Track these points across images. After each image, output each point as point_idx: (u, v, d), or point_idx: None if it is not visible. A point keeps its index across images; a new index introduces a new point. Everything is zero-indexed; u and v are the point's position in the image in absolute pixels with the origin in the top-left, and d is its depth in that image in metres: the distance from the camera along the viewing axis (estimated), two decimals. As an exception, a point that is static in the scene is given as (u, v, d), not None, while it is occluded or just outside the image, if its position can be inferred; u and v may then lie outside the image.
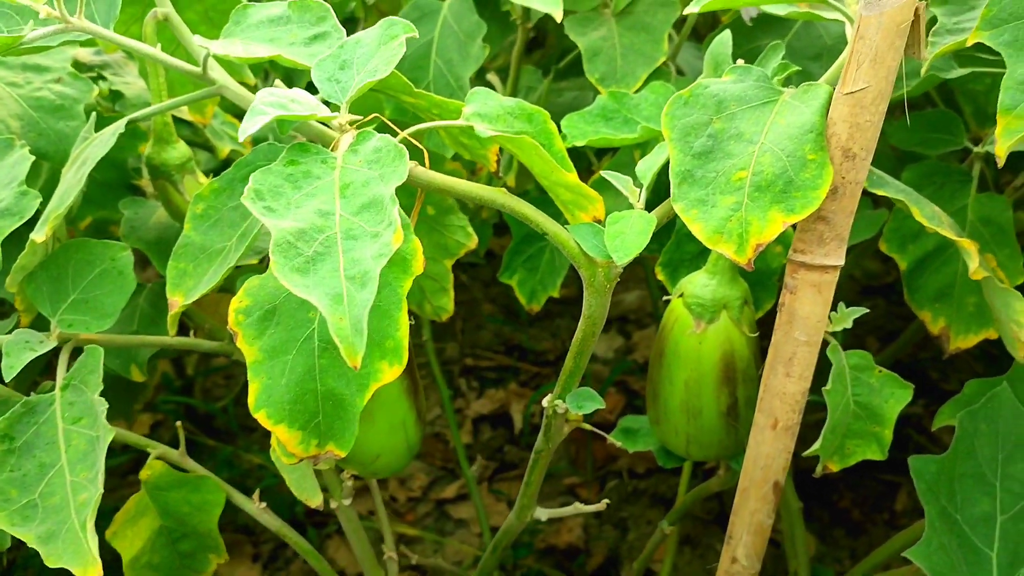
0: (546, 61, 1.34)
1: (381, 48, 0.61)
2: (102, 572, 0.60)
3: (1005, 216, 0.87)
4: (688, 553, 1.45)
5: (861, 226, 0.95)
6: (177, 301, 0.67)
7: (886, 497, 1.53)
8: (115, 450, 1.55)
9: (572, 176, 0.67)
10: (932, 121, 0.94)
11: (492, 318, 1.92)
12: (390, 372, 0.61)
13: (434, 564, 1.28)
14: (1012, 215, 0.88)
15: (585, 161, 1.15)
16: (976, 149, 0.93)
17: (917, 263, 0.90)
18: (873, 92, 0.61)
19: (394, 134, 0.62)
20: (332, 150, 0.59)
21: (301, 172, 0.56)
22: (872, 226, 0.95)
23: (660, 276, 0.90)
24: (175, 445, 0.80)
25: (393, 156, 0.55)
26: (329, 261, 0.51)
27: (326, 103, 0.62)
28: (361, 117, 0.62)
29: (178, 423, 0.79)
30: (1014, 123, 0.58)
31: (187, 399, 1.59)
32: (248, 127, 0.55)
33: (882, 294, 1.91)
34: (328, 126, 0.63)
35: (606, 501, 0.83)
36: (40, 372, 1.00)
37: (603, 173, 0.71)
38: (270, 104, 0.56)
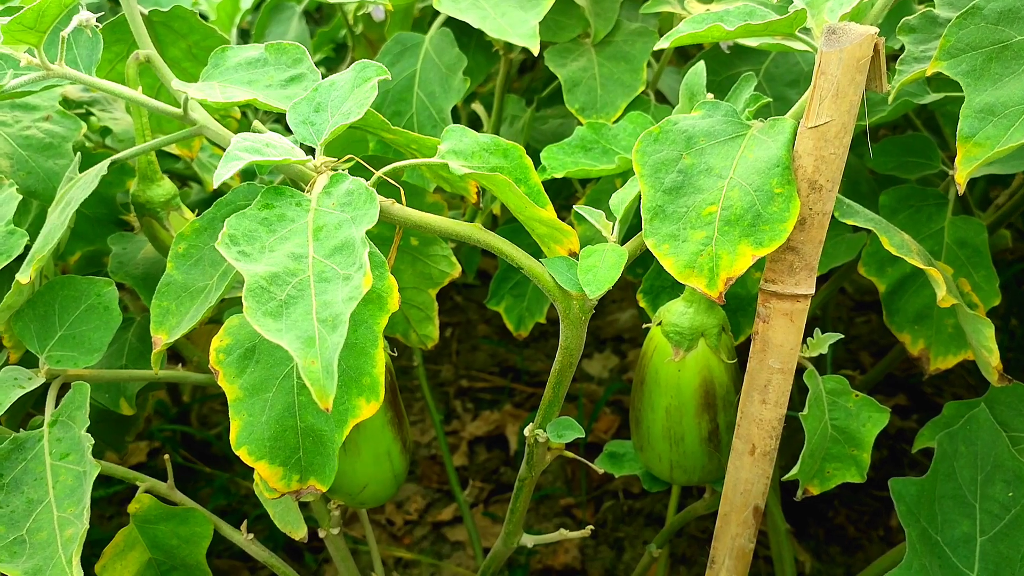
0: (534, 86, 1.36)
1: (355, 90, 0.63)
2: (87, 609, 0.61)
3: (980, 238, 0.89)
4: (683, 572, 1.45)
5: (840, 250, 0.96)
6: (161, 339, 0.68)
7: (881, 513, 1.53)
8: (110, 480, 1.57)
9: (546, 212, 0.68)
10: (908, 145, 0.96)
11: (487, 339, 1.93)
12: (367, 408, 0.62)
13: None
14: (987, 237, 0.89)
15: (570, 188, 1.16)
16: (952, 172, 0.94)
17: (896, 285, 0.91)
18: (836, 126, 0.62)
19: (370, 174, 0.63)
20: (308, 191, 0.61)
21: (276, 215, 0.58)
22: (851, 250, 0.96)
23: (642, 303, 0.91)
24: (174, 473, 0.81)
25: (364, 199, 0.57)
26: (302, 304, 0.53)
27: (303, 146, 0.64)
28: (336, 159, 0.63)
29: (166, 456, 0.80)
30: (973, 150, 0.60)
31: (183, 427, 1.60)
32: (223, 173, 0.56)
33: (875, 309, 1.92)
34: (305, 168, 0.64)
35: (590, 527, 0.84)
36: (34, 405, 1.01)
37: (577, 208, 0.72)
38: (244, 149, 0.57)
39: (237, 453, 0.63)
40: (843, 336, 0.75)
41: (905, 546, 0.79)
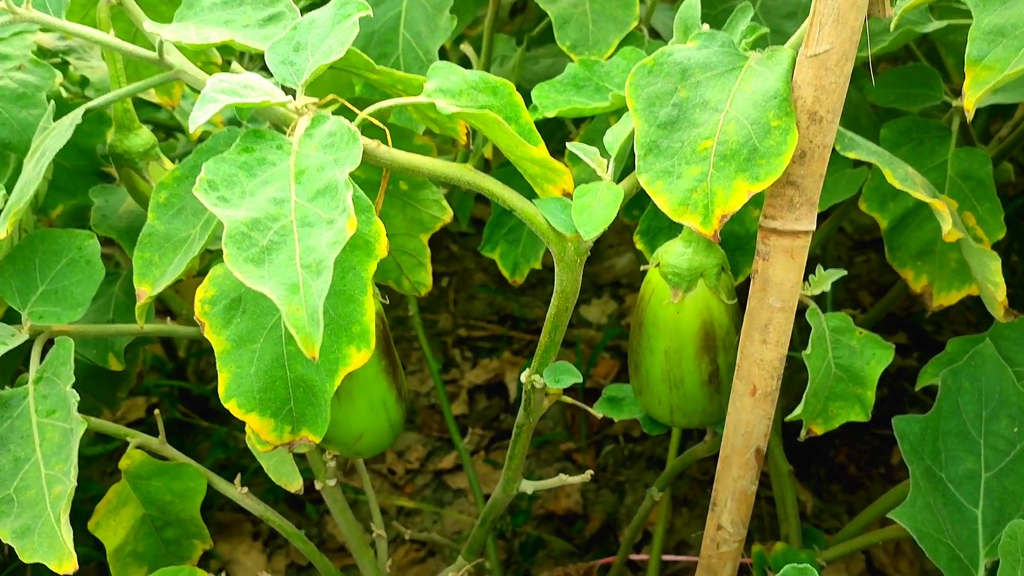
0: (524, 27, 1.32)
1: (336, 28, 0.60)
2: (77, 566, 0.60)
3: (985, 170, 0.86)
4: (686, 514, 1.46)
5: (840, 186, 0.94)
6: (145, 291, 0.67)
7: (882, 451, 1.53)
8: (108, 436, 1.56)
9: (538, 150, 0.66)
10: (910, 76, 0.93)
11: (484, 288, 1.91)
12: (358, 357, 0.60)
13: (430, 538, 1.29)
14: (991, 169, 0.86)
15: (563, 131, 1.14)
16: (956, 103, 0.91)
17: (898, 221, 0.89)
18: (837, 54, 0.59)
19: (354, 115, 0.61)
20: (289, 134, 0.58)
21: (256, 159, 0.55)
22: (852, 185, 0.93)
23: (639, 245, 0.89)
24: (171, 428, 0.80)
25: (347, 140, 0.54)
26: (284, 250, 0.51)
27: (284, 87, 0.61)
28: (317, 99, 0.61)
29: (156, 411, 0.79)
30: (982, 74, 0.57)
31: (179, 382, 1.59)
32: (199, 116, 0.54)
33: (874, 248, 1.90)
34: (287, 110, 0.62)
35: (589, 472, 0.83)
36: (23, 363, 1.00)
37: (570, 146, 0.69)
38: (221, 91, 0.55)
39: (227, 406, 0.61)
40: (845, 272, 0.74)
41: (908, 484, 0.79)
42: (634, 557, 1.17)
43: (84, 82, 0.95)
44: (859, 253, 1.94)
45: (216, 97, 0.55)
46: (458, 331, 1.85)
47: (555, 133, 1.17)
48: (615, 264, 1.97)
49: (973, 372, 0.80)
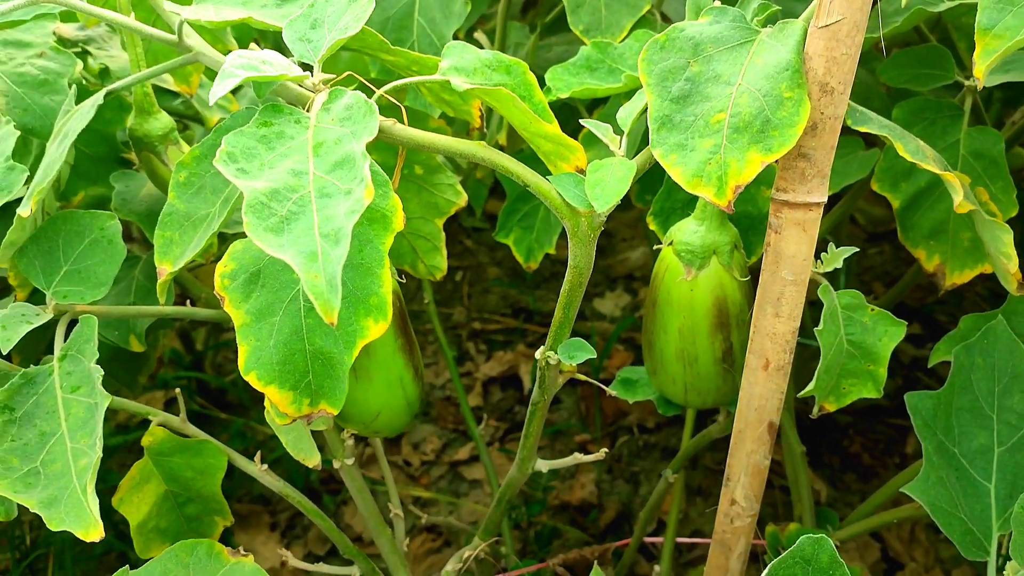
0: (536, 21, 1.33)
1: (352, 5, 0.61)
2: (103, 533, 0.61)
3: (997, 149, 0.86)
4: (700, 504, 1.46)
5: (853, 167, 0.94)
6: (165, 269, 0.68)
7: (896, 441, 1.53)
8: (127, 427, 1.58)
9: (552, 126, 0.67)
10: (922, 56, 0.93)
11: (498, 281, 1.92)
12: (376, 328, 0.61)
13: (446, 522, 1.30)
14: (1004, 148, 0.87)
15: (578, 116, 1.14)
16: (968, 83, 0.91)
17: (910, 201, 0.89)
18: (848, 24, 0.60)
19: (371, 93, 0.62)
20: (307, 110, 0.60)
21: (274, 133, 0.56)
22: (864, 167, 0.94)
23: (652, 226, 0.90)
24: (190, 419, 0.81)
25: (364, 112, 0.55)
26: (303, 220, 0.52)
27: (303, 66, 0.62)
28: (335, 75, 0.62)
29: (177, 390, 0.80)
30: (992, 43, 0.58)
31: (198, 374, 1.61)
32: (218, 90, 0.55)
33: (888, 240, 1.90)
34: (304, 87, 0.63)
35: (604, 450, 0.84)
36: (47, 349, 1.01)
37: (583, 121, 0.70)
38: (240, 66, 0.56)
39: (246, 379, 0.62)
40: (857, 249, 0.74)
41: (921, 465, 0.79)
42: (649, 540, 1.17)
43: (104, 73, 0.97)
44: (872, 245, 1.93)
45: (235, 72, 0.56)
46: (472, 324, 1.86)
47: (568, 123, 1.18)
48: (629, 257, 1.97)
49: (986, 348, 0.80)
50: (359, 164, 0.53)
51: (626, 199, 1.15)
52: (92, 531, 0.62)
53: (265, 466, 0.81)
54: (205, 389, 1.65)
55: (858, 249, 0.74)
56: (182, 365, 1.62)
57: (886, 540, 1.37)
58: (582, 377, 0.79)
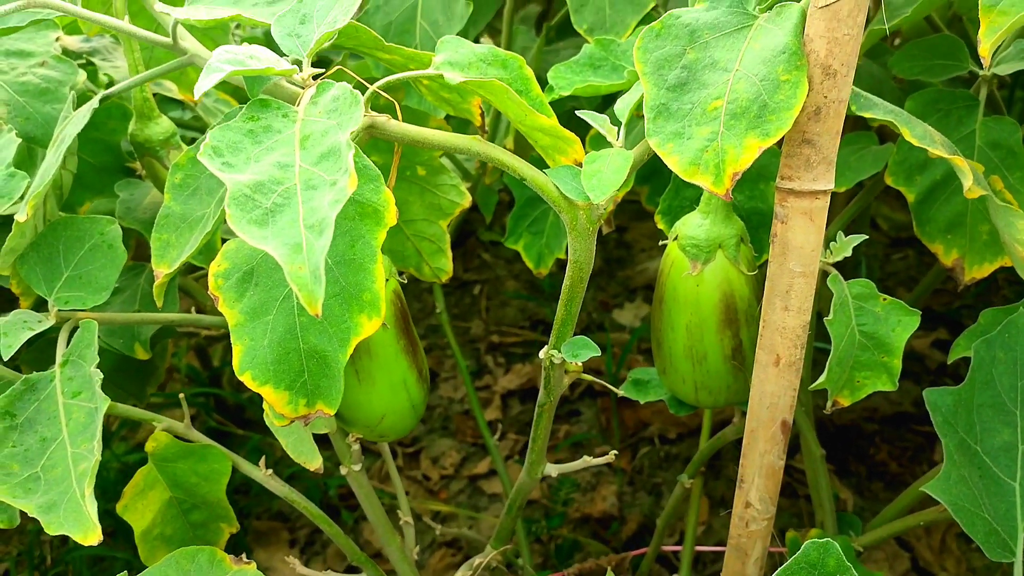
0: (544, 22, 1.33)
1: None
2: (101, 537, 0.61)
3: (1014, 138, 0.84)
4: (723, 515, 1.43)
5: (866, 162, 0.92)
6: (162, 271, 0.67)
7: (924, 449, 1.49)
8: (143, 446, 1.58)
9: (547, 119, 0.66)
10: (935, 47, 0.91)
11: (516, 294, 1.91)
12: (369, 325, 0.60)
13: (465, 536, 1.28)
14: (1021, 137, 0.84)
15: (584, 125, 1.13)
16: (983, 72, 0.89)
17: (926, 194, 0.87)
18: (849, 3, 0.58)
19: (364, 89, 0.61)
20: (296, 104, 0.59)
21: (261, 127, 0.56)
22: (878, 162, 0.92)
23: (660, 225, 0.89)
24: (213, 436, 0.81)
25: (349, 103, 0.55)
26: (288, 212, 0.51)
27: (292, 61, 0.62)
28: (324, 71, 0.61)
29: (181, 395, 0.80)
30: (998, 19, 0.56)
31: (215, 390, 1.61)
32: (204, 84, 0.54)
33: (911, 245, 1.87)
34: (293, 82, 0.62)
35: (614, 452, 0.82)
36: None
37: (579, 113, 0.69)
38: (226, 61, 0.56)
39: (241, 379, 0.62)
40: (867, 236, 0.72)
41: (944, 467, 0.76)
42: (669, 549, 1.15)
43: (110, 84, 0.97)
44: (896, 251, 1.90)
45: (221, 67, 0.56)
46: (491, 337, 1.84)
47: (568, 124, 1.17)
48: (647, 267, 1.95)
49: (1007, 342, 0.77)
50: (344, 154, 0.52)
51: (643, 210, 1.14)
52: (90, 534, 0.61)
53: (270, 471, 0.80)
54: (223, 406, 1.65)
55: (867, 236, 0.72)
56: (199, 382, 1.62)
57: (916, 550, 1.33)
58: (588, 378, 0.77)
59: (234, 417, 1.65)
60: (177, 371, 1.67)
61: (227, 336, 1.72)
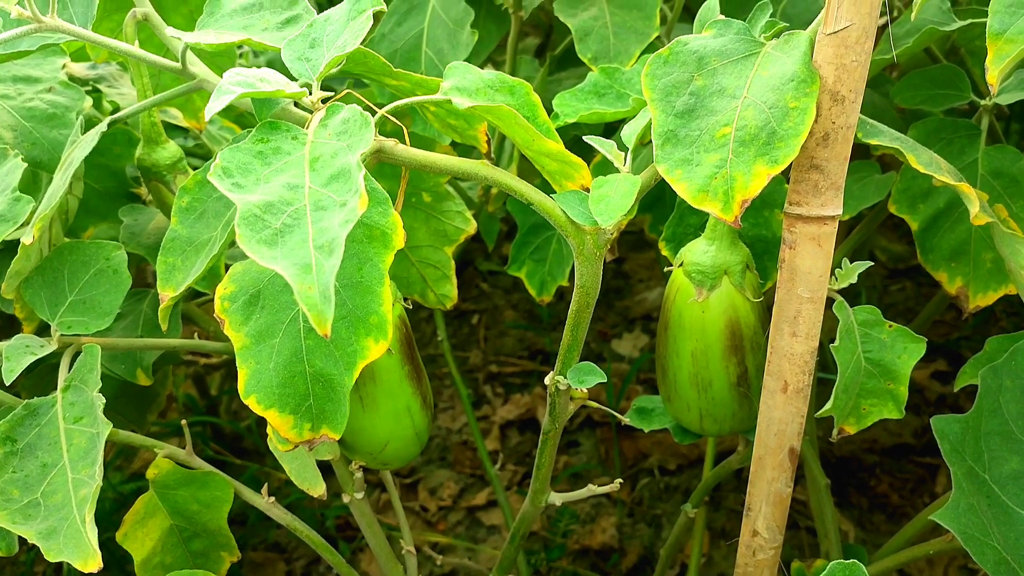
0: (547, 52, 1.34)
1: (350, 23, 0.61)
2: (102, 564, 0.60)
3: (1017, 166, 0.85)
4: (723, 547, 1.42)
5: (869, 190, 0.93)
6: (167, 295, 0.67)
7: (925, 481, 1.49)
8: (142, 474, 1.56)
9: (556, 144, 0.66)
10: (936, 77, 0.92)
11: (514, 324, 1.91)
12: (376, 348, 0.60)
13: (464, 567, 1.26)
14: (1024, 165, 0.85)
15: (589, 152, 1.14)
16: (984, 102, 0.90)
17: (929, 222, 0.87)
18: (857, 30, 0.59)
19: (373, 113, 0.61)
20: (306, 128, 0.59)
21: (271, 149, 0.56)
22: (881, 190, 0.92)
23: (664, 252, 0.89)
24: (211, 465, 0.80)
25: (360, 125, 0.55)
26: (298, 232, 0.51)
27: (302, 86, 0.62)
28: (334, 94, 0.61)
29: (184, 421, 0.79)
30: (1005, 47, 0.56)
31: (212, 418, 1.60)
32: (215, 105, 0.54)
33: (909, 277, 1.87)
34: (302, 105, 0.62)
35: (618, 481, 0.81)
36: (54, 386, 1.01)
37: (586, 138, 0.69)
38: (237, 83, 0.56)
39: (246, 403, 0.61)
40: (872, 264, 0.72)
41: (951, 495, 0.76)
42: (671, 582, 1.14)
43: (116, 111, 0.97)
44: (894, 281, 1.91)
45: (232, 89, 0.56)
46: (489, 367, 1.84)
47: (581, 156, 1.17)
48: (646, 298, 1.95)
49: (1014, 369, 0.77)
50: (354, 175, 0.52)
51: (642, 240, 1.14)
52: (91, 562, 0.61)
53: (272, 499, 0.79)
54: (220, 435, 1.64)
55: (872, 264, 0.72)
56: (197, 411, 1.61)
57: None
58: (593, 404, 0.77)
59: (231, 446, 1.64)
60: (175, 400, 1.65)
61: (225, 365, 1.72)
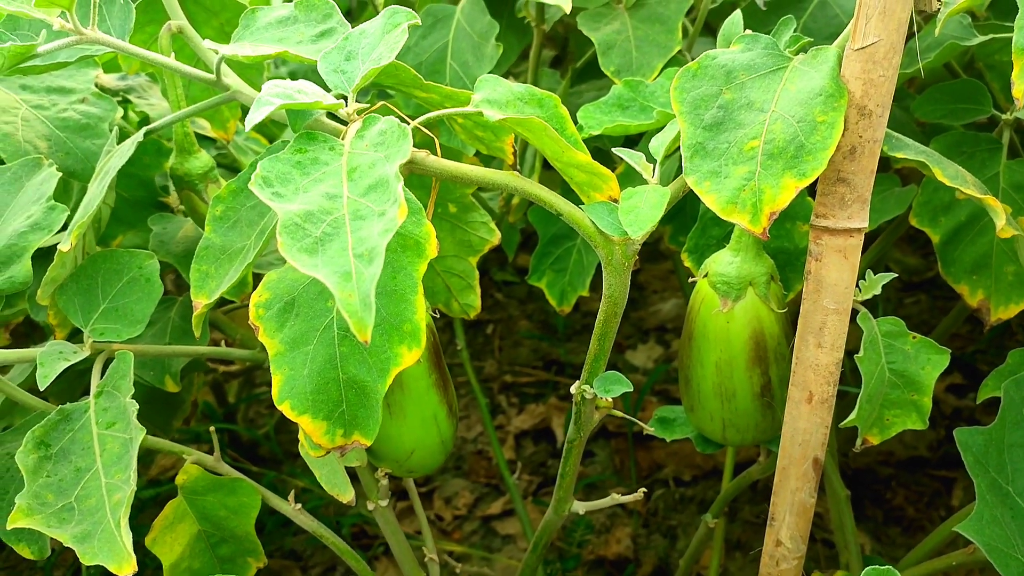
0: (568, 64, 1.35)
1: (385, 37, 0.62)
2: (136, 567, 0.60)
3: (1038, 180, 0.85)
4: (739, 558, 1.42)
5: (890, 203, 0.93)
6: (200, 303, 0.68)
7: (941, 494, 1.49)
8: (161, 480, 1.57)
9: (585, 156, 0.67)
10: (957, 91, 0.93)
11: (529, 334, 1.91)
12: (409, 356, 0.61)
13: (481, 573, 1.27)
14: (1046, 179, 0.85)
15: (612, 162, 1.15)
16: (1005, 116, 0.91)
17: (951, 235, 0.88)
18: (885, 46, 0.60)
19: (406, 124, 0.62)
20: (342, 138, 0.60)
21: (309, 159, 0.57)
22: (901, 203, 0.93)
23: (687, 263, 0.89)
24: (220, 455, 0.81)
25: (397, 136, 0.56)
26: (337, 241, 0.52)
27: (338, 97, 0.63)
28: (369, 106, 0.62)
29: (212, 428, 0.80)
30: (1030, 64, 0.57)
31: (230, 425, 1.61)
32: (255, 116, 0.55)
33: (924, 290, 1.88)
34: (338, 118, 0.63)
35: (643, 490, 0.82)
36: (84, 392, 1.02)
37: (616, 150, 0.70)
38: (275, 95, 0.57)
39: (280, 408, 0.62)
40: (896, 275, 0.73)
41: (973, 507, 0.76)
42: (689, 593, 1.14)
43: (144, 121, 0.99)
44: (909, 295, 1.91)
45: (271, 100, 0.57)
46: (504, 377, 1.84)
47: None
48: (660, 309, 1.96)
49: (1036, 382, 0.78)
50: (392, 185, 0.53)
51: (657, 251, 1.15)
52: (125, 565, 0.61)
53: (299, 506, 0.80)
54: (237, 442, 1.65)
55: (896, 275, 0.73)
56: (215, 418, 1.62)
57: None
58: (618, 413, 0.78)
59: (248, 454, 1.65)
60: (196, 406, 1.66)
61: (244, 373, 1.73)
